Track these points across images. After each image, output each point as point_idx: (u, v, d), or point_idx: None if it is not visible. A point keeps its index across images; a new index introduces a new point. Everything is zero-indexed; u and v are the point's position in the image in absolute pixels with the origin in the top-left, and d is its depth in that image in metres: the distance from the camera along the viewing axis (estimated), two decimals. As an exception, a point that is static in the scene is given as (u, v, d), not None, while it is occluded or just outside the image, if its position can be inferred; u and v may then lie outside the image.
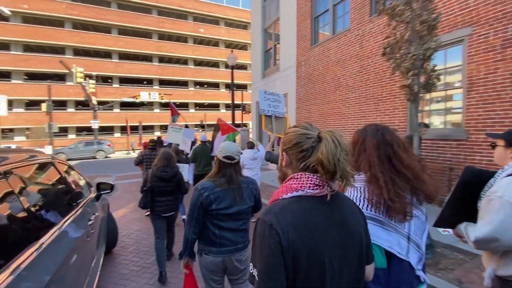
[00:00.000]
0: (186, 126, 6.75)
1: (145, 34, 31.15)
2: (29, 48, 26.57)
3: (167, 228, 3.37)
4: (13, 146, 19.56)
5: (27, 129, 25.52)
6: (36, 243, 1.43)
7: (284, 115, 4.28)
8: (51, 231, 1.64)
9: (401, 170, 1.09)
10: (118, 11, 29.22)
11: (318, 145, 0.84)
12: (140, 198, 3.19)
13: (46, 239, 1.53)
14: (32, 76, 27.68)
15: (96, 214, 2.73)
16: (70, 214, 2.07)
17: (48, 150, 19.07)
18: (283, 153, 0.93)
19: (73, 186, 2.59)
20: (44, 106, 10.21)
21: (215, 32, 34.27)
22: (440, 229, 1.58)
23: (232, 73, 9.56)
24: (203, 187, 1.71)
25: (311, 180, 0.85)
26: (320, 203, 0.84)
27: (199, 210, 1.69)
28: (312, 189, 0.84)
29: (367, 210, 1.07)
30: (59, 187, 2.29)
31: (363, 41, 6.43)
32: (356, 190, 1.12)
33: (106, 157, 21.75)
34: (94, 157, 21.17)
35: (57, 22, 27.41)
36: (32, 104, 27.45)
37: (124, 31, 30.24)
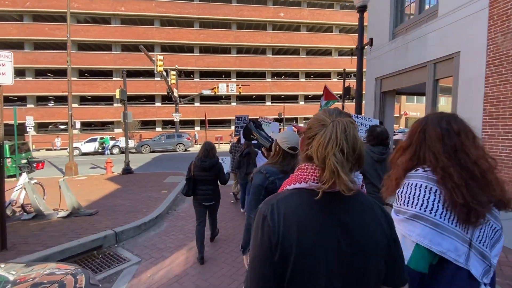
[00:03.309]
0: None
1: (224, 24, 30.23)
2: (126, 47, 28.92)
3: (211, 218, 3.59)
4: (108, 137, 20.80)
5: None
6: None
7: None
8: None
9: (466, 165, 0.95)
10: (200, 4, 29.01)
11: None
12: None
13: None
14: (128, 74, 30.16)
15: None
16: None
17: (121, 142, 19.88)
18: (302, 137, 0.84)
19: None
20: (117, 92, 8.84)
21: (297, 15, 30.72)
22: None
23: (361, 17, 5.97)
24: (267, 172, 1.67)
25: (316, 173, 0.74)
26: (326, 199, 0.72)
27: (265, 193, 1.61)
28: (316, 183, 0.73)
29: (421, 209, 0.94)
30: None
31: None
32: (426, 190, 0.96)
33: (185, 150, 21.34)
34: (174, 150, 20.98)
35: (148, 21, 28.98)
36: (129, 99, 30.05)
37: (204, 24, 30.02)
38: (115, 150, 20.42)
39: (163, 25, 29.37)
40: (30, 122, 21.15)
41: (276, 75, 33.32)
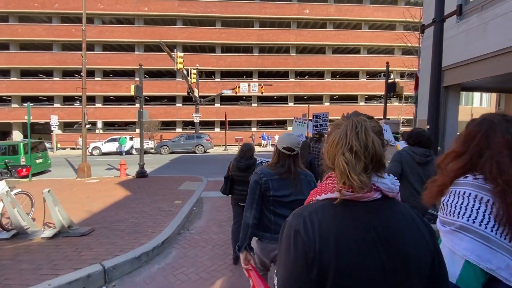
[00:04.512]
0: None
1: (247, 23, 29.35)
2: (148, 48, 28.92)
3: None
4: (125, 137, 20.52)
5: (144, 122, 27.73)
6: None
7: (394, 143, 3.33)
8: None
9: None
10: (222, 2, 28.34)
11: None
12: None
13: None
14: (150, 74, 30.24)
15: None
16: None
17: (136, 143, 19.36)
18: None
19: None
20: (132, 88, 8.04)
21: (323, 11, 29.13)
22: None
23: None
24: (262, 172, 1.73)
25: None
26: (361, 210, 0.68)
27: (259, 192, 1.70)
28: (351, 192, 0.67)
29: (469, 221, 0.86)
30: None
31: None
32: (475, 200, 0.88)
33: (204, 152, 20.57)
34: (194, 152, 20.27)
35: (170, 21, 28.78)
36: (151, 100, 30.08)
37: (227, 23, 29.32)
38: (134, 151, 20.07)
39: (185, 25, 29.04)
40: (54, 121, 21.42)
41: (300, 74, 31.89)
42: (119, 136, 21.10)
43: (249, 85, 23.39)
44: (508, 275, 0.80)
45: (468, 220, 0.86)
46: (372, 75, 31.80)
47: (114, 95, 28.59)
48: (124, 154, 19.58)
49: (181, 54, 14.30)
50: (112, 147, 20.10)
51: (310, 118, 7.17)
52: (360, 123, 0.68)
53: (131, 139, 20.63)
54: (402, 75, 25.93)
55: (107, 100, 29.56)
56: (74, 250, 3.28)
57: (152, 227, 4.18)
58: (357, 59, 30.11)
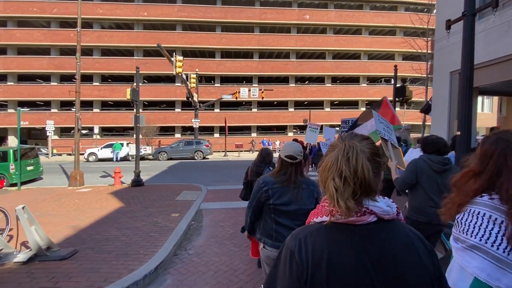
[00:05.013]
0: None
1: (247, 28, 29.19)
2: (147, 53, 28.64)
3: None
4: (120, 143, 20.04)
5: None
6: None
7: (397, 145, 3.35)
8: None
9: None
10: (223, 8, 28.23)
11: None
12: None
13: None
14: (148, 79, 29.92)
15: None
16: None
17: (132, 150, 18.90)
18: None
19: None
20: (128, 92, 7.65)
21: (323, 17, 29.04)
22: None
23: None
24: (263, 181, 1.77)
25: None
26: (355, 234, 0.68)
27: (257, 201, 1.78)
28: (344, 216, 0.68)
29: (481, 241, 0.89)
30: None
31: None
32: (489, 221, 0.89)
33: (204, 158, 20.06)
34: (193, 158, 19.76)
35: (170, 26, 28.58)
36: (149, 105, 29.69)
37: (227, 28, 29.17)
38: (130, 157, 19.55)
39: (185, 30, 28.84)
40: (50, 127, 20.94)
41: (300, 80, 31.61)
42: (114, 142, 20.61)
43: (249, 90, 23.05)
44: None
45: (480, 240, 0.88)
46: (372, 80, 31.60)
47: (112, 100, 28.19)
48: (119, 160, 19.05)
49: (180, 58, 13.98)
50: (109, 153, 19.60)
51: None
52: (352, 148, 0.68)
53: (127, 145, 20.12)
54: (404, 80, 25.66)
55: (105, 105, 29.15)
56: (49, 280, 2.77)
57: (145, 247, 3.67)
58: (357, 64, 29.94)
